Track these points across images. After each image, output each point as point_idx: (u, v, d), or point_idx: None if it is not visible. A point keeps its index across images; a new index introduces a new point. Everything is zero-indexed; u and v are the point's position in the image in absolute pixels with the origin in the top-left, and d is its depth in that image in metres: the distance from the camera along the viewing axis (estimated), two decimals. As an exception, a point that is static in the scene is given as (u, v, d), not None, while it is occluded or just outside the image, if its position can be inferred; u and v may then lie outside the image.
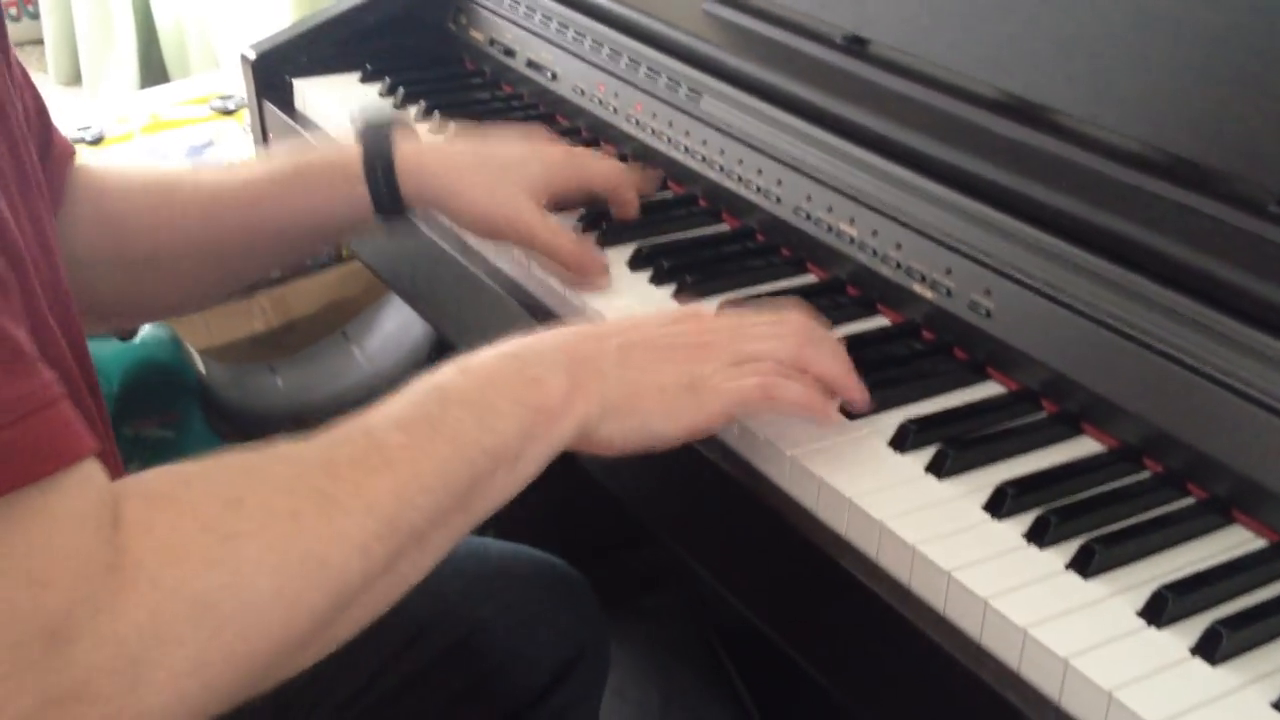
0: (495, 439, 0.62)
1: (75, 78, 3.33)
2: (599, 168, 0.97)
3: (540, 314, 0.91)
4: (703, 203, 1.02)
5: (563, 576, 1.04)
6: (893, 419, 0.76)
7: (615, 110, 1.10)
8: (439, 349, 1.65)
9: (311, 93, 1.23)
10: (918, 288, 0.84)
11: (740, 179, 0.98)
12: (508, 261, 0.96)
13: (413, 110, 1.19)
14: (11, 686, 0.47)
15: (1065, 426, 0.76)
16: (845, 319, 0.87)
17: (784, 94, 0.96)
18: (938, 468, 0.72)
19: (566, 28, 1.17)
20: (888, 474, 0.72)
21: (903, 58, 0.95)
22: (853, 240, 0.89)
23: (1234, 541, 0.68)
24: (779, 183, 0.95)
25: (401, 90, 1.22)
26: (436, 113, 1.17)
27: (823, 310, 0.87)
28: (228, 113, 1.88)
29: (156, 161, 1.76)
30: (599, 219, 0.98)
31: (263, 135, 1.30)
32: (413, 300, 1.21)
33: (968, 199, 0.82)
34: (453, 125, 1.14)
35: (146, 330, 1.50)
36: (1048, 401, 0.78)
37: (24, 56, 3.62)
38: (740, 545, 0.78)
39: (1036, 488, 0.70)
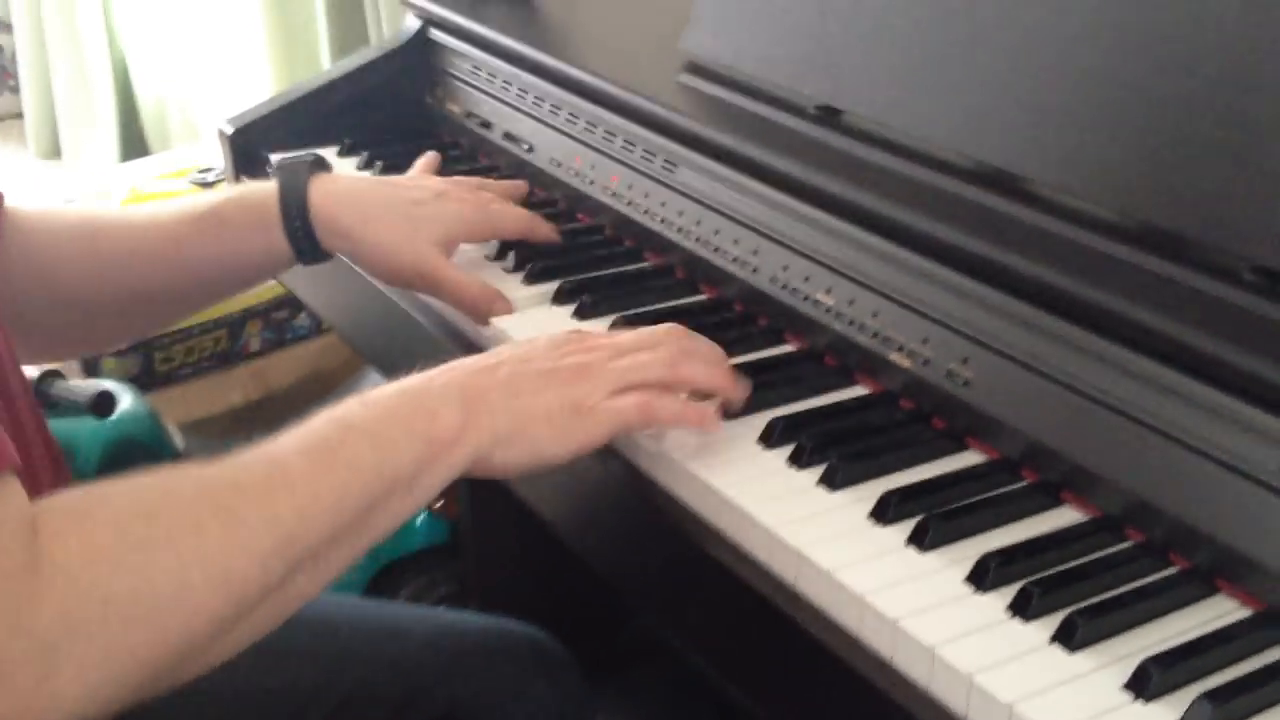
0: (391, 467, 0.67)
1: (55, 152, 3.34)
2: (508, 218, 1.01)
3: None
4: (680, 273, 1.02)
5: (545, 650, 1.02)
6: (873, 490, 0.75)
7: (592, 182, 1.11)
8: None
9: (289, 167, 1.23)
10: (895, 357, 0.84)
11: (717, 249, 0.98)
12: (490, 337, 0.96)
13: (390, 184, 1.19)
14: None
15: (1046, 496, 0.76)
16: (823, 389, 0.86)
17: (759, 164, 0.96)
18: (919, 539, 0.71)
19: (543, 101, 1.17)
20: (869, 546, 0.71)
21: (876, 128, 0.96)
22: (829, 310, 0.89)
23: (1218, 612, 0.67)
24: (755, 252, 0.95)
25: (379, 164, 1.22)
26: (414, 186, 1.17)
27: (801, 380, 0.87)
28: (207, 185, 1.89)
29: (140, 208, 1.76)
30: (575, 294, 0.98)
31: (240, 209, 1.30)
32: (391, 374, 1.20)
33: (944, 268, 0.82)
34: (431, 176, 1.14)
35: (125, 407, 1.49)
36: (1028, 471, 0.78)
37: (3, 131, 3.63)
38: (718, 617, 0.77)
39: (1019, 559, 0.69)
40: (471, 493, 1.47)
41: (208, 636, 0.60)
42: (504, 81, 1.22)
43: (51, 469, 0.80)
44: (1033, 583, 0.67)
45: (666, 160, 1.04)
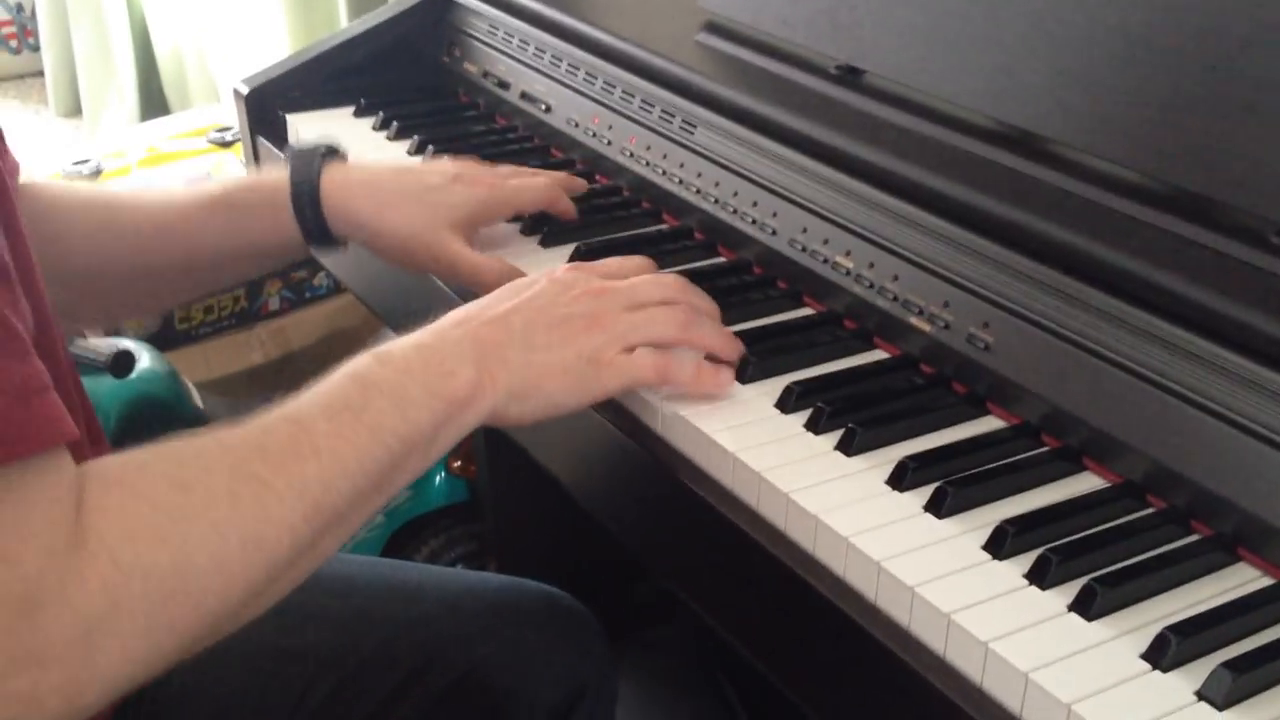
0: (411, 427, 0.68)
1: (75, 110, 3.34)
2: (524, 197, 0.99)
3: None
4: (698, 235, 1.01)
5: (566, 610, 1.02)
6: (891, 455, 0.75)
7: (610, 143, 1.10)
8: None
9: (304, 127, 1.23)
10: (915, 321, 0.83)
11: (736, 211, 0.97)
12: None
13: (406, 144, 1.19)
14: None
15: (1066, 462, 0.75)
16: (842, 353, 0.86)
17: (779, 125, 0.95)
18: (937, 506, 0.71)
19: (560, 60, 1.16)
20: (886, 512, 0.71)
21: (898, 88, 0.94)
22: (849, 273, 0.88)
23: (1239, 580, 0.67)
24: (774, 215, 0.94)
25: (395, 124, 1.21)
26: (430, 146, 1.16)
27: (820, 344, 0.86)
28: (225, 145, 1.88)
29: (156, 187, 1.75)
30: (590, 258, 0.97)
31: (257, 170, 1.29)
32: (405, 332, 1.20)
33: (965, 231, 0.81)
34: (447, 160, 1.13)
35: (144, 366, 1.49)
36: (1048, 436, 0.77)
37: (24, 89, 3.64)
38: (736, 583, 0.77)
39: (1037, 526, 0.69)
40: (490, 452, 1.47)
41: (241, 602, 0.61)
42: (521, 41, 1.21)
43: (88, 432, 0.80)
44: (1051, 550, 0.66)
45: (685, 121, 1.02)
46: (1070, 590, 0.65)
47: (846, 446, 0.76)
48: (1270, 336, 0.67)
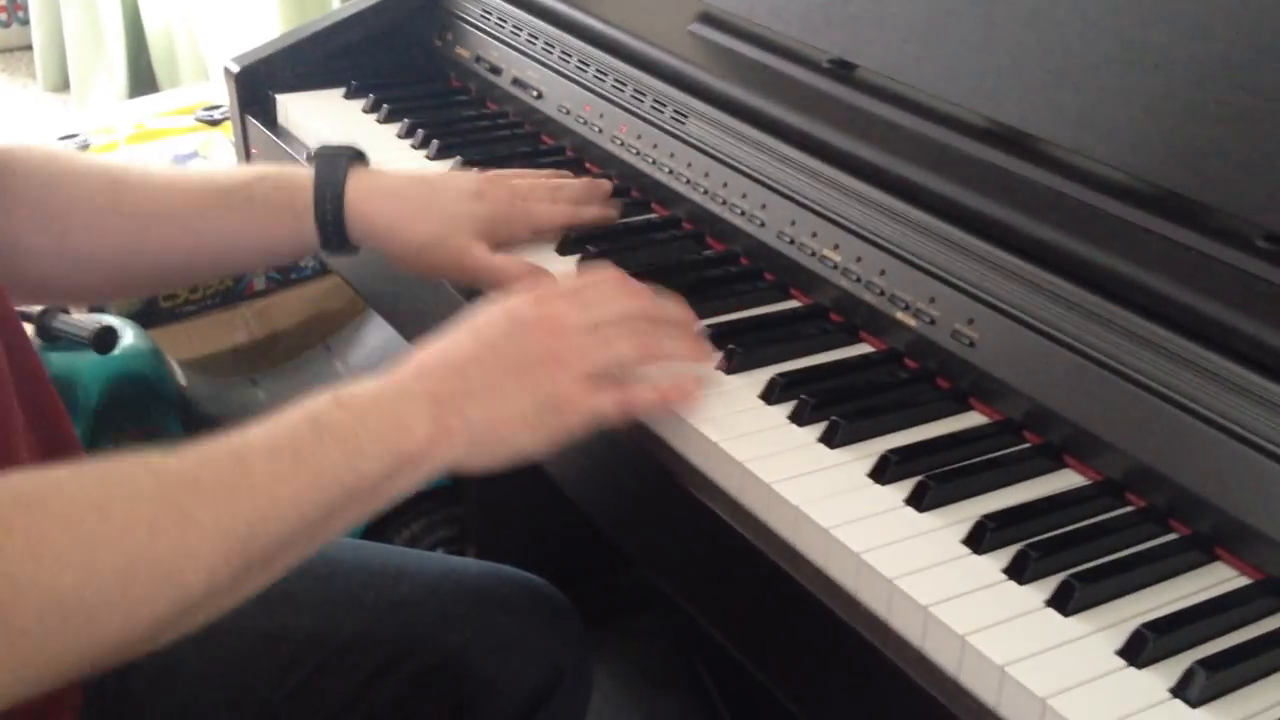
0: (356, 478, 0.66)
1: (64, 84, 3.32)
2: (542, 216, 0.97)
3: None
4: (687, 226, 1.01)
5: (544, 597, 1.03)
6: (873, 448, 0.75)
7: (600, 131, 1.10)
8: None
9: (294, 108, 1.23)
10: (901, 316, 0.84)
11: (725, 202, 0.97)
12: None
13: (396, 127, 1.19)
14: None
15: (1047, 459, 0.75)
16: (827, 346, 0.86)
17: (770, 118, 0.95)
18: (918, 500, 0.71)
19: (553, 47, 1.16)
20: (867, 505, 0.71)
21: (890, 84, 0.95)
22: (836, 266, 0.88)
23: (1216, 579, 0.67)
24: (763, 207, 0.94)
25: (385, 107, 1.21)
26: (420, 130, 1.16)
27: (805, 337, 0.86)
28: (214, 123, 1.87)
29: (163, 166, 1.75)
30: (579, 246, 0.97)
31: (245, 149, 1.29)
32: (391, 317, 1.20)
33: (953, 228, 0.82)
34: (435, 143, 1.13)
35: (127, 342, 1.48)
36: (1030, 433, 0.77)
37: (13, 63, 3.61)
38: (717, 573, 0.77)
39: (1017, 521, 0.69)
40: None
41: (145, 635, 0.59)
42: (514, 27, 1.21)
43: (38, 423, 0.78)
44: (1030, 545, 0.67)
45: (676, 111, 1.03)
46: (1048, 586, 0.65)
47: (830, 439, 0.76)
48: (1254, 339, 0.68)
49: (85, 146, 1.79)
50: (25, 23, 3.47)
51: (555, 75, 1.16)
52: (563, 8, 1.15)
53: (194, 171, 0.96)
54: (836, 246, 0.88)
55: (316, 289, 1.85)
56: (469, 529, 1.58)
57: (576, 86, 1.13)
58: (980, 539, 0.68)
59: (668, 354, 0.78)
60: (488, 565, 1.03)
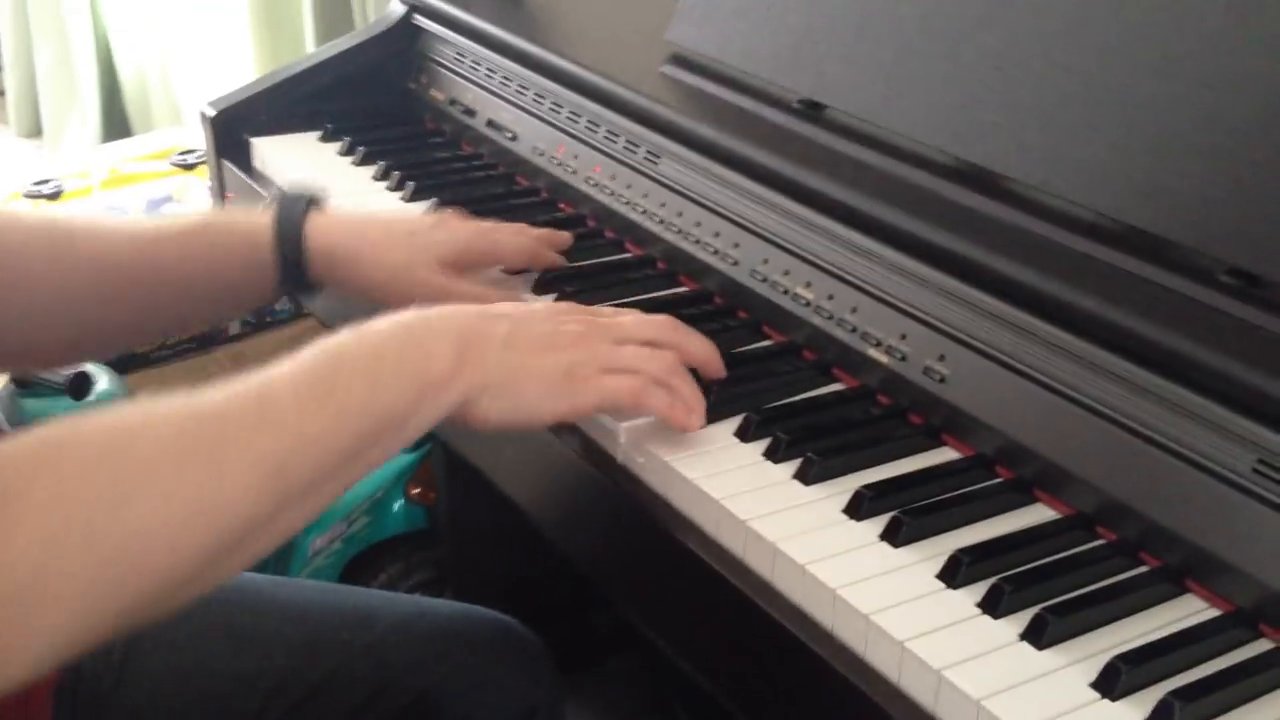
0: (382, 405, 0.67)
1: (36, 130, 3.32)
2: (509, 244, 0.97)
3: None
4: (661, 265, 1.02)
5: (516, 637, 1.03)
6: (848, 485, 0.76)
7: (574, 172, 1.11)
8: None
9: (270, 152, 1.23)
10: (873, 352, 0.85)
11: (698, 241, 0.98)
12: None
13: (372, 169, 1.19)
14: None
15: (1019, 494, 0.76)
16: (801, 383, 0.87)
17: (741, 157, 0.96)
18: (893, 535, 0.72)
19: (527, 89, 1.17)
20: (842, 541, 0.72)
21: (859, 123, 0.96)
22: (809, 304, 0.89)
23: (1187, 611, 0.68)
24: (736, 245, 0.95)
25: (361, 150, 1.22)
26: (395, 172, 1.17)
27: (779, 374, 0.87)
28: (188, 168, 1.88)
29: (113, 216, 1.75)
30: (555, 284, 0.97)
31: (221, 193, 1.29)
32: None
33: (923, 265, 0.83)
34: (411, 185, 1.14)
35: (101, 388, 1.48)
36: (1002, 468, 0.78)
37: (-15, 107, 3.55)
38: (694, 611, 0.77)
39: (991, 555, 0.70)
40: (449, 480, 1.47)
41: (192, 571, 0.59)
42: (488, 69, 1.22)
43: None
44: (1004, 579, 0.67)
45: (649, 152, 1.04)
46: (1022, 619, 0.66)
47: (804, 476, 0.76)
48: (1220, 372, 0.69)
49: (59, 192, 1.79)
50: (-2, 68, 3.47)
51: (529, 117, 1.17)
52: (536, 51, 1.16)
53: (147, 219, 0.94)
54: (809, 284, 0.89)
55: (291, 333, 1.85)
56: (446, 572, 1.58)
57: (550, 128, 1.14)
58: (955, 573, 0.68)
59: (681, 389, 0.78)
60: (460, 606, 1.03)
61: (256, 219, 0.92)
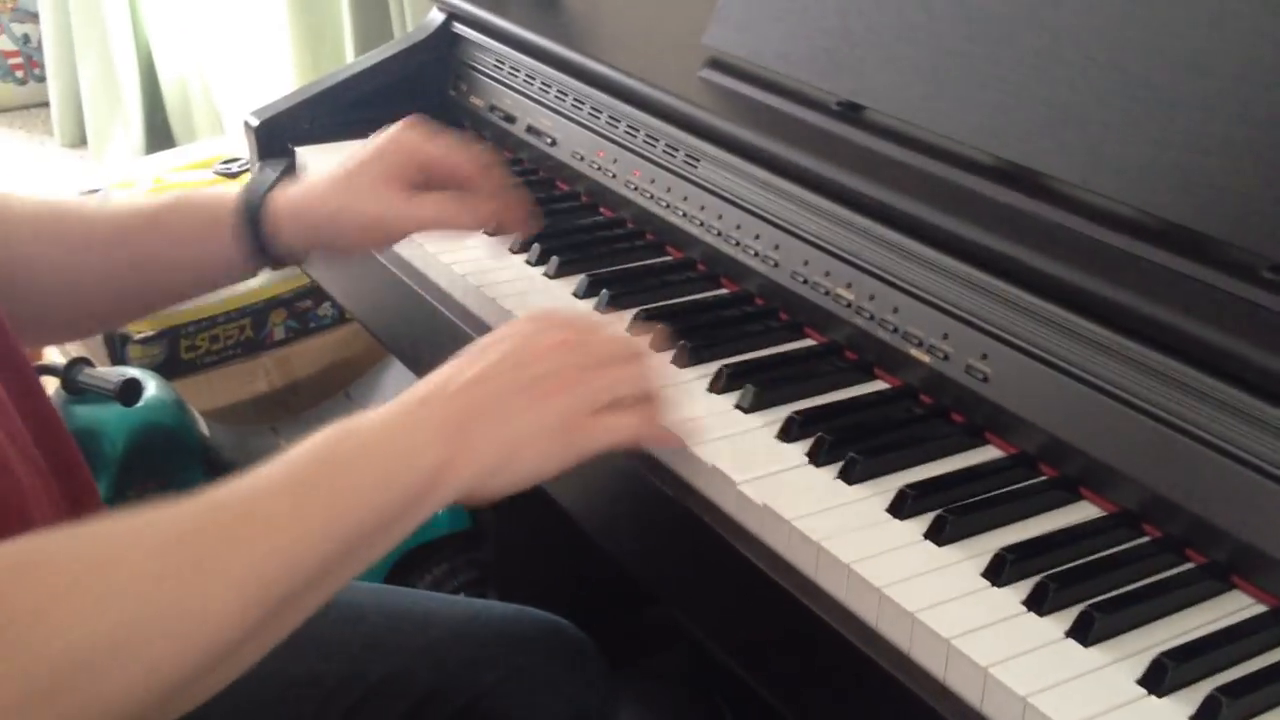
0: (372, 510, 0.65)
1: (80, 140, 3.36)
2: (434, 146, 0.96)
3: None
4: (701, 267, 1.03)
5: (568, 639, 1.04)
6: (891, 484, 0.76)
7: (614, 176, 1.11)
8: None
9: (313, 160, 1.25)
10: (915, 352, 0.85)
11: (738, 244, 0.99)
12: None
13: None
14: None
15: (1064, 491, 0.76)
16: (843, 383, 0.87)
17: (781, 160, 0.97)
18: (937, 534, 0.72)
19: (566, 95, 1.18)
20: (887, 540, 0.72)
21: (898, 124, 0.96)
22: (850, 304, 0.90)
23: (1233, 607, 0.68)
24: (776, 247, 0.96)
25: (403, 156, 1.23)
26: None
27: (821, 375, 0.88)
28: (231, 176, 1.90)
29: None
30: (596, 287, 0.98)
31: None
32: (411, 362, 1.21)
33: (964, 264, 0.83)
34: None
35: (150, 394, 1.50)
36: (1046, 466, 0.78)
37: (30, 120, 3.64)
38: (739, 610, 0.78)
39: (1035, 554, 0.70)
40: (493, 482, 1.48)
41: (173, 689, 0.57)
42: (527, 76, 1.23)
43: (58, 470, 0.78)
44: (1049, 577, 0.68)
45: (688, 155, 1.04)
46: (1068, 617, 0.66)
47: (848, 475, 0.77)
48: (1262, 368, 0.69)
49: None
50: (41, 79, 3.51)
51: (568, 122, 1.18)
52: (575, 56, 1.17)
53: (127, 200, 0.97)
54: (849, 285, 0.90)
55: (336, 337, 1.87)
56: (490, 571, 1.59)
57: (589, 133, 1.15)
58: (1000, 571, 0.69)
59: (661, 408, 0.77)
60: (512, 608, 1.04)
61: (224, 194, 0.95)
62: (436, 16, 1.35)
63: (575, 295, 0.99)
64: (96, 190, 1.83)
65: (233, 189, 0.95)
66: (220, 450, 1.60)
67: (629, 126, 1.11)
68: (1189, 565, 0.71)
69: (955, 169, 0.90)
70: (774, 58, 1.06)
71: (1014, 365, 0.79)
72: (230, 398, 1.79)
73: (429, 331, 1.06)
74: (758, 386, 0.84)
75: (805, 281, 0.93)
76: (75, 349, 1.66)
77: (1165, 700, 0.61)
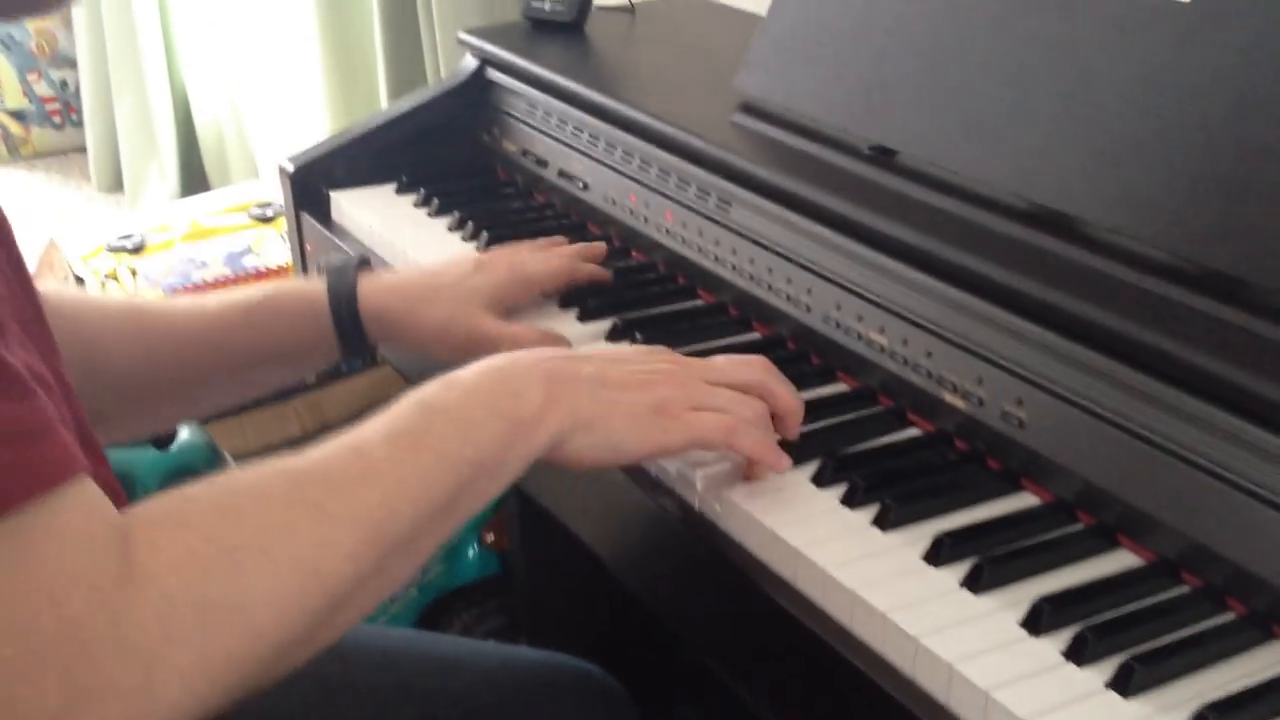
0: (476, 449, 0.68)
1: (117, 185, 3.40)
2: (539, 271, 1.02)
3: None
4: (733, 311, 1.03)
5: (600, 685, 1.03)
6: (926, 531, 0.75)
7: (646, 220, 1.12)
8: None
9: (348, 204, 1.26)
10: (949, 397, 0.84)
11: (770, 287, 0.99)
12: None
13: (447, 220, 1.21)
14: (39, 688, 0.53)
15: (1101, 539, 0.75)
16: (876, 429, 0.87)
17: (812, 204, 0.97)
18: (974, 582, 0.71)
19: (598, 139, 1.19)
20: (922, 588, 0.72)
21: (930, 168, 0.96)
22: (883, 349, 0.89)
23: (1275, 658, 0.67)
24: (809, 291, 0.95)
25: (436, 201, 1.24)
26: (470, 222, 1.19)
27: (853, 421, 0.87)
28: (266, 220, 1.92)
29: (195, 268, 1.79)
30: (627, 332, 0.98)
31: (300, 246, 1.32)
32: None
33: (999, 309, 0.83)
34: (485, 235, 1.15)
35: (183, 438, 1.51)
36: (1083, 513, 0.77)
37: (67, 165, 3.69)
38: (771, 658, 0.77)
39: (1074, 603, 0.69)
40: (523, 526, 1.48)
41: (304, 632, 0.61)
42: (559, 120, 1.24)
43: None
44: (1088, 627, 0.67)
45: (720, 199, 1.04)
46: (1108, 667, 0.65)
47: (882, 522, 0.76)
48: (1303, 415, 0.68)
49: (141, 246, 1.83)
50: (78, 124, 3.56)
51: (600, 166, 1.18)
52: (607, 101, 1.18)
53: (214, 296, 1.00)
54: (882, 329, 0.89)
55: (367, 381, 1.88)
56: (520, 618, 1.58)
57: (621, 177, 1.15)
58: (1038, 621, 0.68)
59: (770, 439, 0.79)
60: (544, 654, 1.04)
61: (313, 289, 0.98)
62: (470, 63, 1.36)
63: (606, 339, 0.99)
64: (131, 235, 1.85)
65: (317, 285, 0.98)
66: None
67: (660, 170, 1.11)
68: (1229, 616, 0.70)
69: (988, 213, 0.90)
70: (806, 102, 1.06)
71: (1050, 411, 0.78)
72: (262, 441, 1.80)
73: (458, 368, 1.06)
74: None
75: (838, 326, 0.93)
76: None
77: (1209, 754, 0.60)
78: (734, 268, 1.02)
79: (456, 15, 2.02)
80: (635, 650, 1.37)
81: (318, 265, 1.07)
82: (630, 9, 1.47)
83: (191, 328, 0.96)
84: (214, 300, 0.99)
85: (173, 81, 3.16)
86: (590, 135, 1.20)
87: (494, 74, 1.33)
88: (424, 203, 1.25)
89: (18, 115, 3.66)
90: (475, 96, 1.35)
